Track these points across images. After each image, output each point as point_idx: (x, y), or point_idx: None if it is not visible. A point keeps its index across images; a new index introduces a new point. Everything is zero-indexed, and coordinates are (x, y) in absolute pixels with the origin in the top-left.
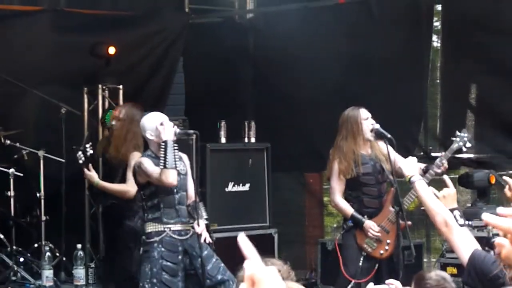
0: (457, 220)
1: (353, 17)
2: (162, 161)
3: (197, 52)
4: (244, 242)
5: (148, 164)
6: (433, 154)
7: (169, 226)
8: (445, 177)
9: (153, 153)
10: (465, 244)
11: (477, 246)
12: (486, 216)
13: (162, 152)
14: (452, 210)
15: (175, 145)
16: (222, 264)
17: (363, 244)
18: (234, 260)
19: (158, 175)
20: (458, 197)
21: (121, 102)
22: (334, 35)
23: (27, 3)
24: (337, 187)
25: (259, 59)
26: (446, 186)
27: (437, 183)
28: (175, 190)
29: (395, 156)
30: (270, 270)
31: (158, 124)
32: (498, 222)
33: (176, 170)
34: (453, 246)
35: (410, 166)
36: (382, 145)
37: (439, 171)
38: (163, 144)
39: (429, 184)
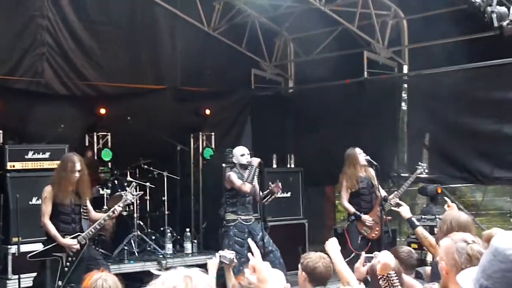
0: (414, 222)
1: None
2: (246, 177)
3: (259, 113)
4: (252, 244)
5: (234, 177)
6: (402, 175)
7: (240, 216)
8: (401, 204)
9: (237, 170)
10: None
11: None
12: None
13: (248, 171)
14: (410, 217)
15: (258, 169)
16: (271, 240)
17: (361, 230)
18: (281, 239)
19: (239, 184)
20: (417, 201)
21: (213, 143)
22: (347, 107)
23: (156, 83)
24: (345, 196)
25: (299, 117)
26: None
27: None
28: (247, 195)
29: (376, 178)
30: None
31: (240, 154)
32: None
33: (252, 185)
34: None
35: (406, 210)
36: (371, 170)
37: (397, 199)
38: (251, 166)
39: (401, 197)
